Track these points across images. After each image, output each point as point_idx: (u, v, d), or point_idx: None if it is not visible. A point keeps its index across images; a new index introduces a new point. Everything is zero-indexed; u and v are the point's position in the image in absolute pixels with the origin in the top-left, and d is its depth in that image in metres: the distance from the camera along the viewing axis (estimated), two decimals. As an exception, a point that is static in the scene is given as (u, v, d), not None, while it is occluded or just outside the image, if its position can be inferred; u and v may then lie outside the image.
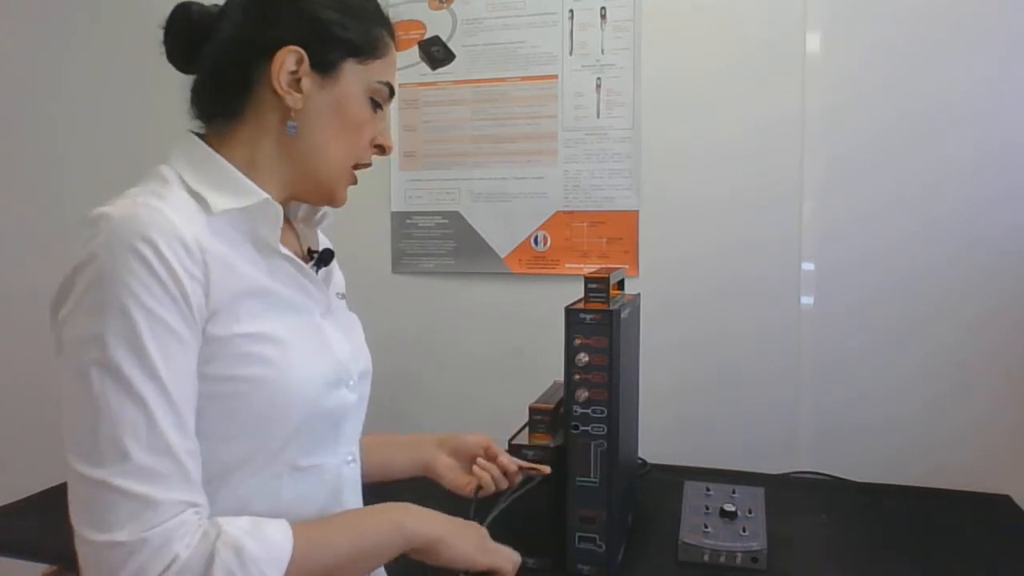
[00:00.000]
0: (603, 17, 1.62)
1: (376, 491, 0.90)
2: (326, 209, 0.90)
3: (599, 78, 1.63)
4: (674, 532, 1.15)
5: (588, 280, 1.12)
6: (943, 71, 1.45)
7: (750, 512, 1.20)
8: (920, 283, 1.47)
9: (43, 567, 1.21)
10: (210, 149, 0.78)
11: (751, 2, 1.54)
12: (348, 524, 0.75)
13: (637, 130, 1.62)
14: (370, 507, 0.82)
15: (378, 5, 0.83)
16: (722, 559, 1.10)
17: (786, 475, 1.52)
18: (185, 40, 0.80)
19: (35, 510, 1.30)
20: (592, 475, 1.08)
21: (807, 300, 1.54)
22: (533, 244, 1.70)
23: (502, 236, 1.71)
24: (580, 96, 1.65)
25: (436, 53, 1.72)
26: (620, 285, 1.31)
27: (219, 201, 0.73)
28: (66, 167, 2.02)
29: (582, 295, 1.14)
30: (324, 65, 0.77)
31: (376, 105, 0.82)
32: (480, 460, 0.98)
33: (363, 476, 0.89)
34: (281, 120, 0.77)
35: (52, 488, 1.39)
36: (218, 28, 0.78)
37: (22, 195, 2.05)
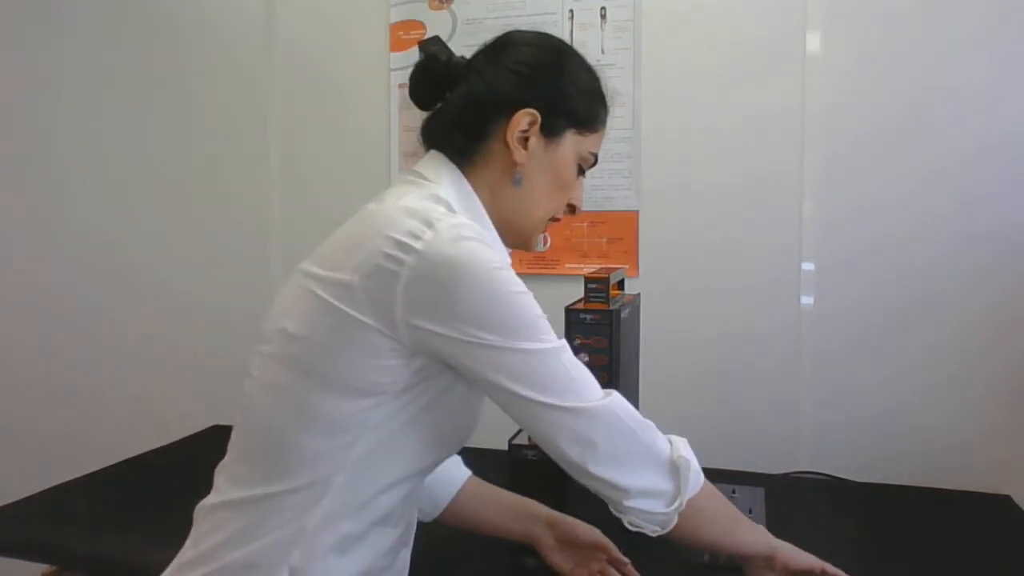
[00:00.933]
0: (603, 17, 1.62)
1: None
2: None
3: (599, 78, 1.63)
4: (674, 532, 1.15)
5: (588, 280, 1.12)
6: (942, 69, 1.45)
7: (750, 512, 1.20)
8: (920, 283, 1.47)
9: (43, 567, 1.21)
10: (472, 190, 0.86)
11: (751, 2, 1.54)
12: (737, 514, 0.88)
13: (637, 130, 1.62)
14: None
15: (603, 88, 0.92)
16: (722, 559, 1.09)
17: (786, 475, 1.51)
18: (433, 82, 0.89)
19: (35, 510, 1.30)
20: None
21: (807, 300, 1.53)
22: (533, 244, 1.69)
23: (502, 236, 1.71)
24: (580, 96, 1.64)
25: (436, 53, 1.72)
26: (620, 285, 1.31)
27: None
28: (65, 166, 2.02)
29: (582, 295, 1.14)
30: (551, 129, 0.87)
31: (581, 171, 0.93)
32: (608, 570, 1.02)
33: (456, 521, 0.98)
34: (503, 171, 0.86)
35: (52, 488, 1.39)
36: (467, 78, 0.88)
37: (21, 195, 2.05)
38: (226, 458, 0.82)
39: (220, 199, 1.91)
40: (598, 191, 1.65)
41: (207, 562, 0.77)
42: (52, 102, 2.02)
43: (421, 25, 1.74)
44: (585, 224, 1.66)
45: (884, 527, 1.27)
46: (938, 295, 1.47)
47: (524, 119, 0.85)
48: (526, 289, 0.77)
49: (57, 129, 2.02)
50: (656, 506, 0.78)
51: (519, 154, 0.85)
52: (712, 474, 1.40)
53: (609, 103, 0.93)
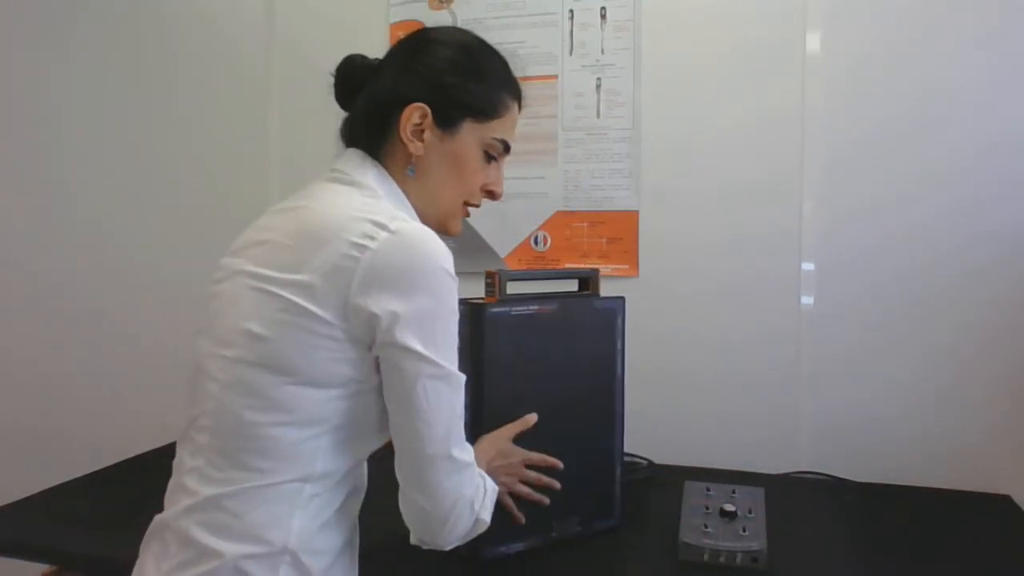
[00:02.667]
0: (603, 17, 1.62)
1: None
2: None
3: (599, 78, 1.63)
4: (674, 532, 1.15)
5: (486, 274, 1.13)
6: (942, 69, 1.45)
7: (750, 512, 1.20)
8: (920, 283, 1.47)
9: (43, 567, 1.21)
10: (394, 183, 0.91)
11: (751, 2, 1.54)
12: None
13: (637, 130, 1.62)
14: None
15: (508, 73, 0.96)
16: (722, 559, 1.09)
17: (786, 475, 1.52)
18: (347, 84, 0.96)
19: (35, 510, 1.30)
20: None
21: (807, 300, 1.53)
22: (533, 244, 1.70)
23: (502, 236, 1.71)
24: (580, 96, 1.65)
25: (436, 53, 1.72)
26: (586, 284, 1.24)
27: None
28: (65, 164, 2.02)
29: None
30: (446, 121, 0.90)
31: (490, 157, 0.95)
32: None
33: None
34: (406, 163, 0.91)
35: (52, 488, 1.39)
36: (374, 78, 0.93)
37: (21, 193, 2.05)
38: (194, 463, 0.82)
39: (220, 199, 1.91)
40: (598, 191, 1.65)
41: (204, 560, 0.77)
42: (51, 100, 2.02)
43: (421, 25, 1.73)
44: (585, 224, 1.66)
45: (884, 527, 1.27)
46: (938, 295, 1.47)
47: (414, 113, 0.89)
48: (456, 303, 0.82)
49: (56, 127, 2.02)
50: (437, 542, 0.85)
51: (413, 147, 0.90)
52: (712, 474, 1.41)
53: (517, 88, 0.96)
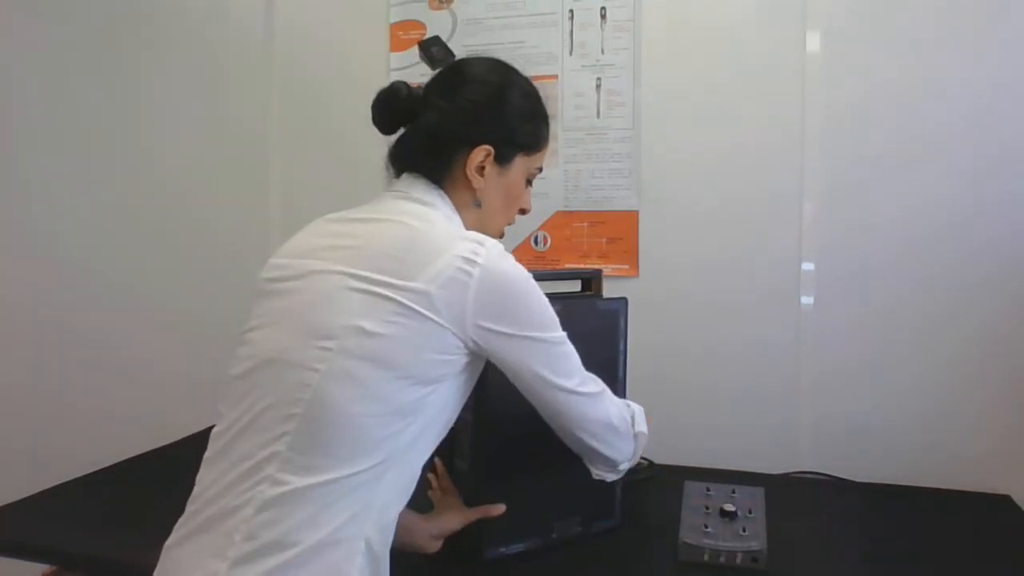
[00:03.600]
0: (603, 17, 1.62)
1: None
2: None
3: (599, 78, 1.63)
4: (674, 532, 1.15)
5: None
6: (944, 74, 1.45)
7: (750, 512, 1.20)
8: (920, 284, 1.47)
9: (43, 567, 1.21)
10: (455, 209, 1.00)
11: (751, 3, 1.54)
12: None
13: (637, 130, 1.62)
14: None
15: (545, 108, 1.06)
16: (722, 559, 1.09)
17: (786, 475, 1.51)
18: (393, 113, 1.02)
19: (35, 510, 1.30)
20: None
21: (807, 300, 1.54)
22: (533, 244, 1.70)
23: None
24: (580, 96, 1.65)
25: (436, 53, 1.72)
26: (588, 285, 1.25)
27: None
28: (52, 171, 2.02)
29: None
30: (503, 158, 1.00)
31: (530, 183, 1.07)
32: None
33: None
34: (465, 193, 1.00)
35: (52, 488, 1.39)
36: (426, 110, 1.00)
37: (20, 197, 2.05)
38: (273, 450, 0.82)
39: (220, 200, 1.91)
40: (598, 191, 1.65)
41: (279, 550, 0.78)
42: (51, 102, 2.02)
43: (421, 25, 1.74)
44: (585, 224, 1.66)
45: (884, 527, 1.27)
46: (938, 296, 1.47)
47: (481, 154, 0.98)
48: (541, 291, 0.93)
49: (49, 134, 2.02)
50: (625, 467, 1.06)
51: (477, 182, 0.99)
52: (712, 474, 1.41)
53: (549, 120, 1.07)
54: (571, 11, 1.64)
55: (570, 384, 0.94)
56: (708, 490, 1.30)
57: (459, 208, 1.00)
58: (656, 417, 1.55)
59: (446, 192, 1.00)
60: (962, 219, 1.45)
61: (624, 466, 1.04)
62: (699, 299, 1.59)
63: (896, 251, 1.48)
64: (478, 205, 1.01)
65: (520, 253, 1.70)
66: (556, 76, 1.65)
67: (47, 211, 2.02)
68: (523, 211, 1.09)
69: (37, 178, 2.02)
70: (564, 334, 0.94)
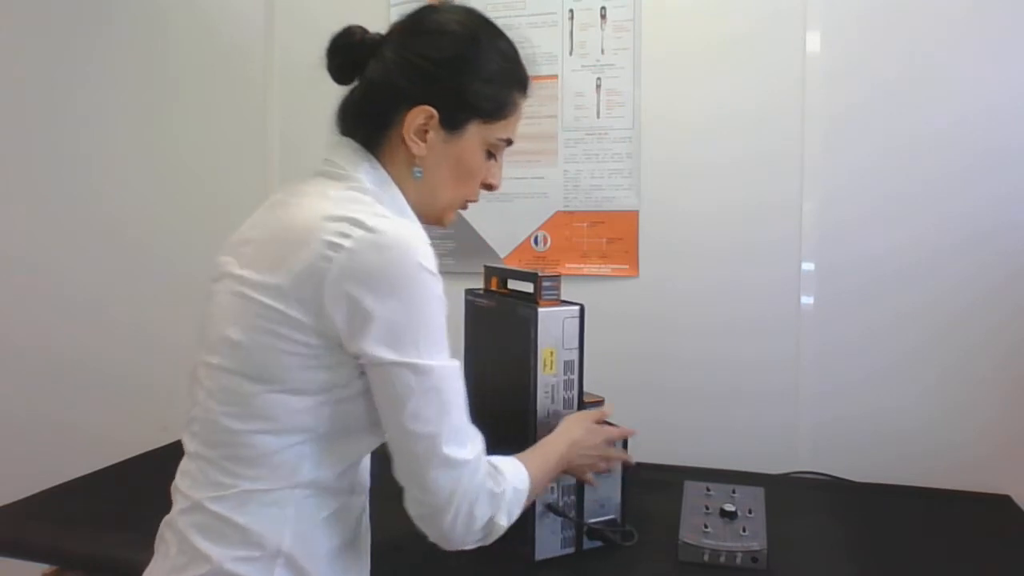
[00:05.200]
0: (603, 17, 1.62)
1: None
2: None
3: (599, 78, 1.63)
4: (674, 532, 1.15)
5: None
6: (945, 74, 1.45)
7: (750, 512, 1.20)
8: (920, 284, 1.47)
9: (43, 567, 1.21)
10: (388, 177, 0.87)
11: (751, 3, 1.54)
12: (546, 460, 0.96)
13: (637, 130, 1.62)
14: (550, 442, 1.00)
15: (516, 68, 0.90)
16: (722, 559, 1.09)
17: (786, 475, 1.51)
18: (344, 60, 0.90)
19: (35, 510, 1.30)
20: None
21: (807, 300, 1.53)
22: (533, 244, 1.70)
23: (502, 236, 1.71)
24: (580, 96, 1.65)
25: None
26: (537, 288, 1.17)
27: None
28: (76, 162, 2.02)
29: (577, 294, 1.14)
30: (451, 123, 0.86)
31: (491, 155, 0.91)
32: None
33: None
34: (405, 161, 0.87)
35: (52, 488, 1.39)
36: (376, 59, 0.88)
37: (30, 192, 2.05)
38: (187, 467, 0.84)
39: (220, 200, 1.90)
40: (598, 191, 1.65)
41: (195, 566, 0.78)
42: (66, 100, 2.02)
43: (421, 25, 1.73)
44: (585, 224, 1.66)
45: (884, 527, 1.27)
46: (938, 296, 1.47)
47: (420, 116, 0.85)
48: (440, 294, 0.78)
49: (66, 127, 2.02)
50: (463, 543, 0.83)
51: (417, 147, 0.85)
52: (712, 474, 1.41)
53: (525, 82, 0.91)
54: (571, 11, 1.64)
55: (426, 430, 0.76)
56: (708, 490, 1.30)
57: (399, 180, 0.87)
58: (656, 417, 1.56)
59: (383, 159, 0.87)
60: (962, 219, 1.45)
61: (443, 539, 0.80)
62: (699, 299, 1.59)
63: (896, 251, 1.48)
64: (418, 175, 0.87)
65: (520, 253, 1.70)
66: (556, 76, 1.65)
67: (29, 219, 2.03)
68: (489, 186, 0.94)
69: (84, 174, 2.02)
70: (447, 364, 0.77)
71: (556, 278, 1.10)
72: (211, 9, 1.90)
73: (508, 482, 0.83)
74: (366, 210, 0.77)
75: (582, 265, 1.66)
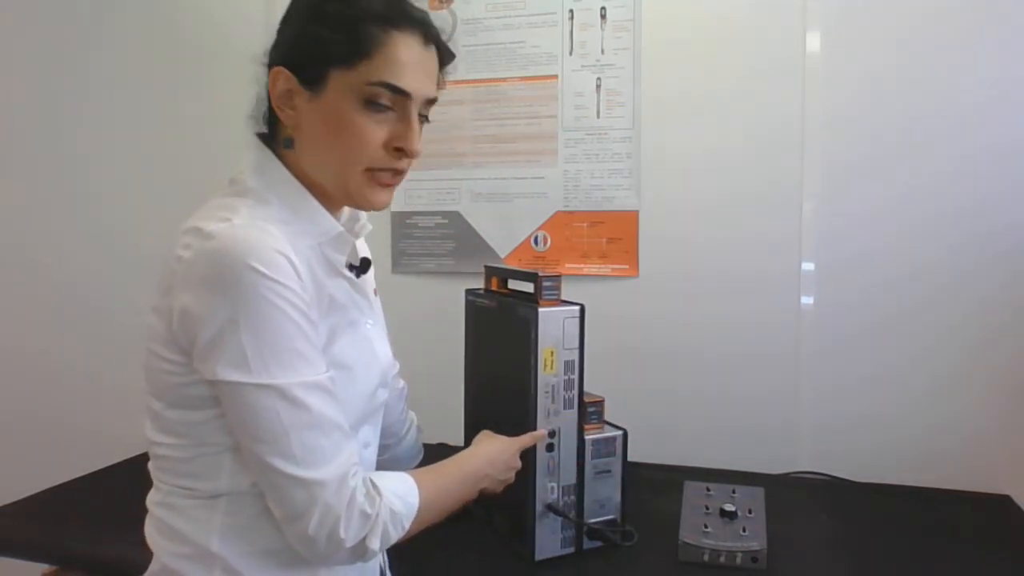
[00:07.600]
0: (603, 17, 1.62)
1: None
2: (364, 220, 0.95)
3: (599, 78, 1.63)
4: (674, 532, 1.15)
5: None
6: (944, 71, 1.45)
7: (750, 512, 1.20)
8: (920, 282, 1.47)
9: (43, 567, 1.21)
10: (280, 167, 0.82)
11: (751, 2, 1.54)
12: (450, 477, 0.91)
13: (637, 130, 1.62)
14: (462, 459, 0.97)
15: (372, 4, 0.79)
16: (722, 559, 1.10)
17: (786, 475, 1.51)
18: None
19: (35, 510, 1.30)
20: None
21: (807, 300, 1.53)
22: (533, 244, 1.70)
23: (502, 236, 1.71)
24: (580, 96, 1.64)
25: (436, 53, 1.71)
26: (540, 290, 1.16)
27: (304, 230, 0.81)
28: (77, 164, 2.02)
29: (576, 294, 1.14)
30: (311, 80, 0.79)
31: (378, 107, 0.79)
32: None
33: None
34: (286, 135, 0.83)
35: (52, 488, 1.39)
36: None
37: (34, 192, 2.05)
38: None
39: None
40: (598, 191, 1.65)
41: (155, 561, 0.84)
42: (75, 103, 2.02)
43: (421, 25, 1.73)
44: (585, 224, 1.66)
45: (884, 527, 1.27)
46: (938, 295, 1.47)
47: (278, 80, 0.79)
48: (285, 301, 0.72)
49: (69, 129, 2.02)
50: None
51: (286, 116, 0.80)
52: (712, 474, 1.41)
53: (394, 13, 0.79)
54: (571, 11, 1.64)
55: (270, 450, 0.72)
56: (708, 490, 1.30)
57: (290, 162, 0.82)
58: (656, 417, 1.56)
59: (275, 144, 0.83)
60: (963, 218, 1.45)
61: (309, 555, 0.77)
62: (699, 299, 1.59)
63: (897, 251, 1.48)
64: (288, 144, 0.81)
65: (520, 253, 1.70)
66: (556, 76, 1.65)
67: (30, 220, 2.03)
68: (399, 150, 0.81)
69: (86, 175, 2.01)
70: (293, 382, 0.71)
71: (556, 278, 1.10)
72: (211, 9, 1.90)
73: (386, 504, 0.78)
74: (218, 215, 0.74)
75: (582, 265, 1.66)
